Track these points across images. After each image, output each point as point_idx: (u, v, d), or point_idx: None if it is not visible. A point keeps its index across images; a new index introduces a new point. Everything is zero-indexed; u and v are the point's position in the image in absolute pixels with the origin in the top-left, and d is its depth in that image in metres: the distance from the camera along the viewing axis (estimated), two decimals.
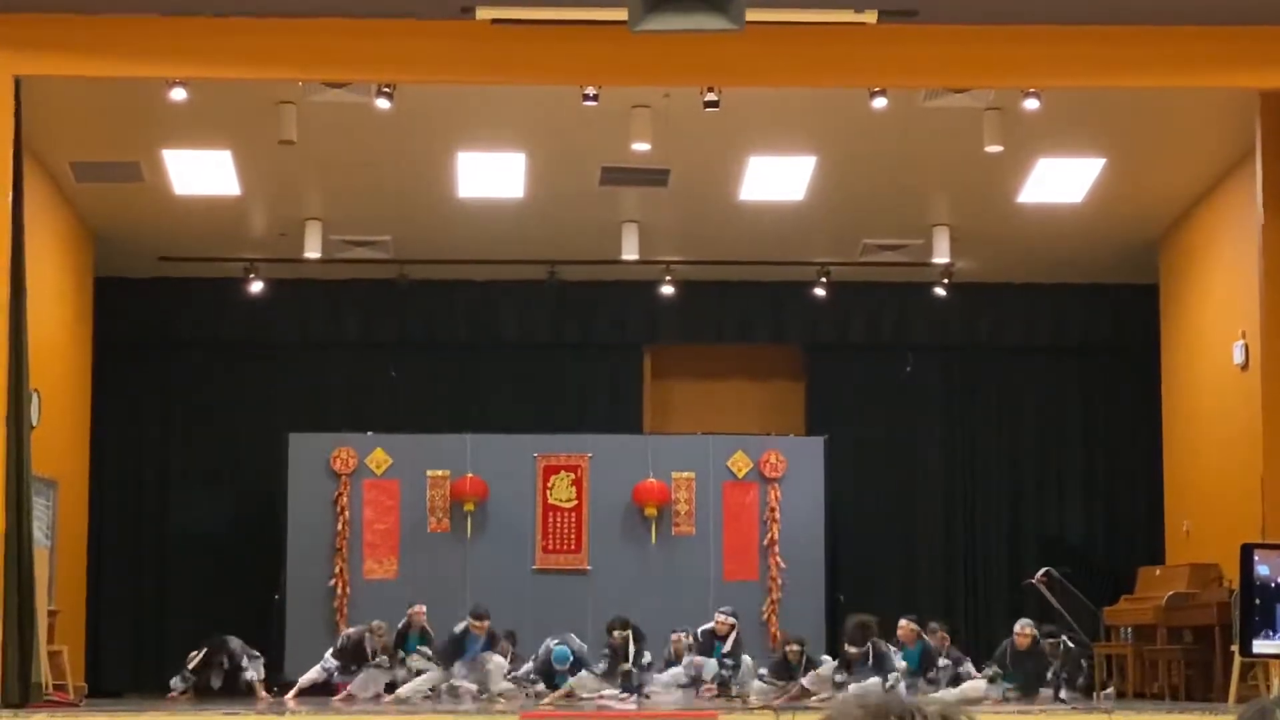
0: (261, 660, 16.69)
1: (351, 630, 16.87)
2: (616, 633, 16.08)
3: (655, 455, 19.16)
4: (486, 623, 16.07)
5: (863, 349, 20.70)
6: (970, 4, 12.95)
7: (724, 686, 16.20)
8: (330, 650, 16.48)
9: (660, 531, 18.79)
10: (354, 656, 16.40)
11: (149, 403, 20.13)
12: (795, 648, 16.27)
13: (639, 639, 16.08)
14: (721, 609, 16.75)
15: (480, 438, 19.05)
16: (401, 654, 16.31)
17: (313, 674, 16.37)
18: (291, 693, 16.21)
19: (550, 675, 16.07)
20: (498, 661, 16.17)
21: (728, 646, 16.34)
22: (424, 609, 16.49)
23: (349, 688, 16.31)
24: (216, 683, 16.37)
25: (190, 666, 16.44)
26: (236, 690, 16.45)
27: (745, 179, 17.17)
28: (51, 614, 15.67)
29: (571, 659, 16.03)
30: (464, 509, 18.90)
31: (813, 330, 20.54)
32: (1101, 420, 20.69)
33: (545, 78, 13.77)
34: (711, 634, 16.49)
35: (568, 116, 15.16)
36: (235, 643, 16.54)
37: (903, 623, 16.46)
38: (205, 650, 16.48)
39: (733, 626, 16.45)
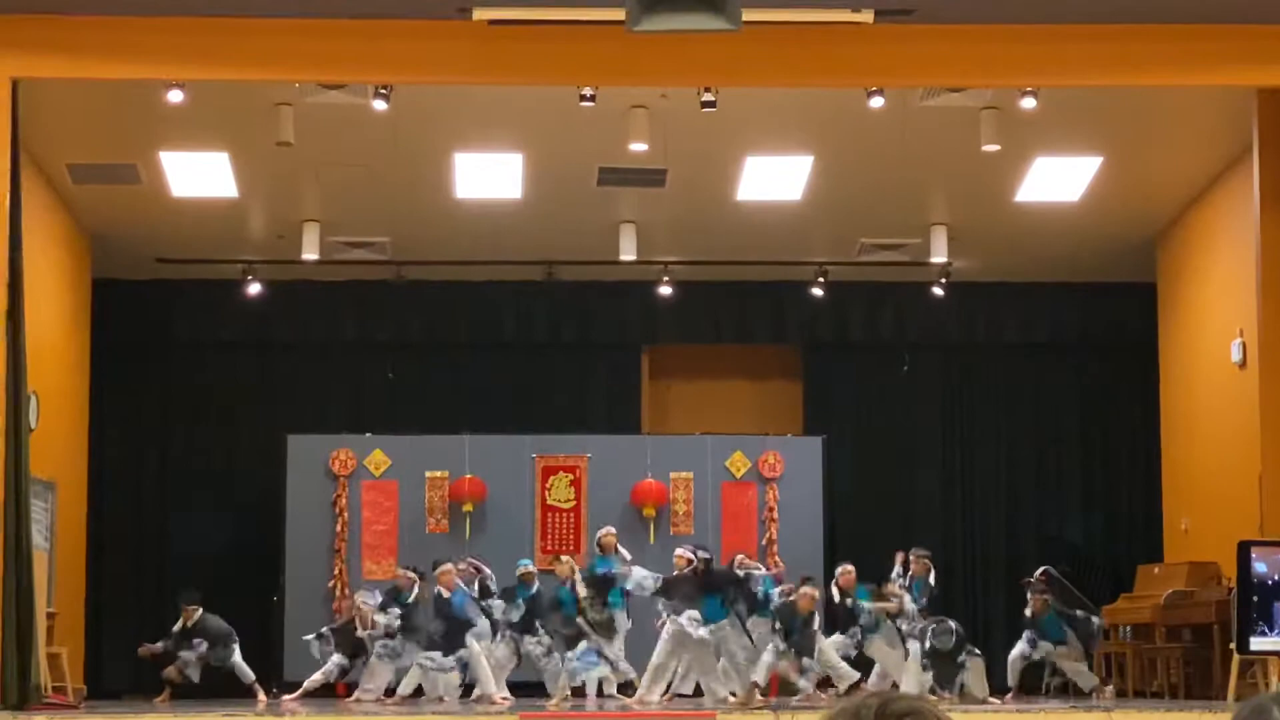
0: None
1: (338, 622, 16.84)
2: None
3: (653, 455, 19.16)
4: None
5: (860, 348, 20.70)
6: (967, 3, 12.94)
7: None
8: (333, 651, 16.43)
9: (659, 532, 18.78)
10: (349, 645, 16.35)
11: (147, 405, 20.12)
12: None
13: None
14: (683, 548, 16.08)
15: (478, 438, 19.05)
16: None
17: (319, 675, 16.33)
18: (295, 694, 16.19)
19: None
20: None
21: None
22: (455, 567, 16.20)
23: (357, 690, 16.25)
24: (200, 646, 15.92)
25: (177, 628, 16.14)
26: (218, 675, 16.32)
27: (743, 179, 17.16)
28: (50, 616, 15.67)
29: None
30: (462, 510, 18.91)
31: (811, 330, 20.54)
32: (1100, 419, 20.68)
33: (542, 78, 13.76)
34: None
35: (565, 117, 15.15)
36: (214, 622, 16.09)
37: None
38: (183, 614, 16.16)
39: (709, 561, 15.53)
